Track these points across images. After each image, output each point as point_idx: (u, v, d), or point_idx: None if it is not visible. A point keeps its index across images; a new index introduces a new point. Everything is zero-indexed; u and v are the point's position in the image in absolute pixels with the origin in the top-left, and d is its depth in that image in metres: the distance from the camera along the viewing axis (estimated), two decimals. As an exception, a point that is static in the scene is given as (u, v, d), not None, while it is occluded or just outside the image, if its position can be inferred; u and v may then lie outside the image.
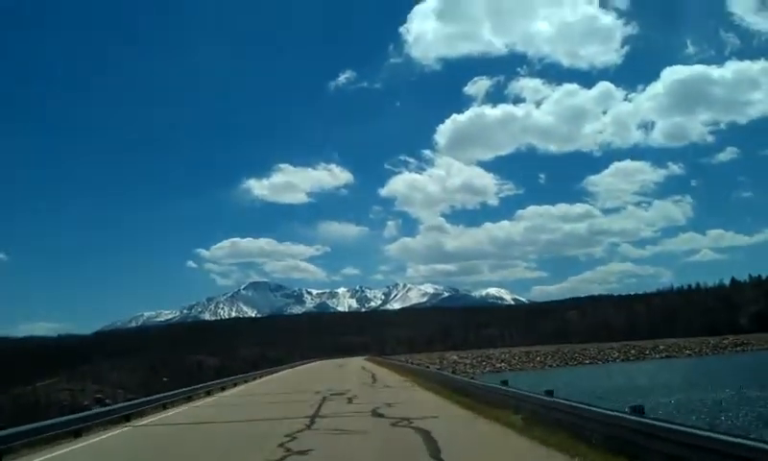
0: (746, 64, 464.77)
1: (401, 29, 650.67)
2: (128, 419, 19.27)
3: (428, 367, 50.90)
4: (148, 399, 23.55)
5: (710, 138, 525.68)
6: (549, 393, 13.17)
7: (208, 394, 30.06)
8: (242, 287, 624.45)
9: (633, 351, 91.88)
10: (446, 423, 14.47)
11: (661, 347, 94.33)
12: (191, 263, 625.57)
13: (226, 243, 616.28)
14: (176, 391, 26.75)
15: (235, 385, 37.32)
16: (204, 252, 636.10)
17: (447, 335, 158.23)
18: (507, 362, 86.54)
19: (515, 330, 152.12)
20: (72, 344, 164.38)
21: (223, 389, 33.59)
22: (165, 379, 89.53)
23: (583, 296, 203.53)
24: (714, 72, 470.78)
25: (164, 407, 23.35)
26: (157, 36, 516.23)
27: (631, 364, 79.50)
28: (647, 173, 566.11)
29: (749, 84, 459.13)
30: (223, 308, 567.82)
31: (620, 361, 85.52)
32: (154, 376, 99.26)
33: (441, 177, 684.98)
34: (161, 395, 24.87)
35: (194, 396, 27.96)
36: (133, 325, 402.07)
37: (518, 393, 15.43)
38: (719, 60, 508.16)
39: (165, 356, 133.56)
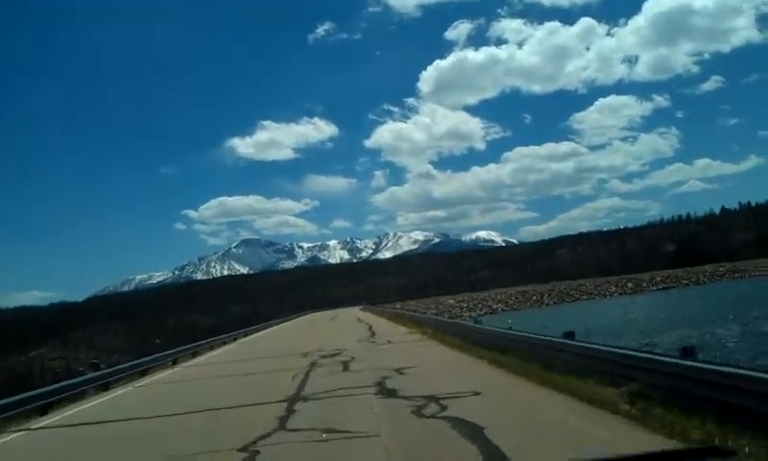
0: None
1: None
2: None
3: (425, 313, 50.52)
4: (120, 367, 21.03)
5: (695, 69, 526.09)
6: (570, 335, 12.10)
7: (194, 355, 28.23)
8: (233, 245, 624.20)
9: (630, 285, 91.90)
10: (499, 404, 9.35)
11: (658, 278, 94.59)
12: (180, 225, 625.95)
13: (213, 203, 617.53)
14: (150, 357, 24.00)
15: (211, 349, 31.67)
16: (192, 212, 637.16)
17: (440, 281, 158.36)
18: (504, 303, 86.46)
19: (506, 272, 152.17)
20: (65, 311, 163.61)
21: (211, 348, 32.36)
22: (157, 341, 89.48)
23: (573, 233, 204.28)
24: (696, 2, 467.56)
25: (143, 374, 20.96)
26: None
27: (628, 297, 79.23)
28: (632, 107, 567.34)
29: (731, 12, 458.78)
30: (215, 267, 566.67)
31: (617, 295, 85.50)
32: (148, 338, 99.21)
33: (426, 124, 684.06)
34: (131, 364, 21.96)
35: (179, 358, 25.94)
36: (126, 288, 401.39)
37: (587, 346, 10.89)
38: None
39: (158, 318, 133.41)
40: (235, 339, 39.41)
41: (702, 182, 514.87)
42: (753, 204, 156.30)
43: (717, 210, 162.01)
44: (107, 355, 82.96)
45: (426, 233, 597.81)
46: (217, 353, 29.06)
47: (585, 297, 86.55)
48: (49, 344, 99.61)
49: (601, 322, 44.32)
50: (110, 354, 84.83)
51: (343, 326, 42.94)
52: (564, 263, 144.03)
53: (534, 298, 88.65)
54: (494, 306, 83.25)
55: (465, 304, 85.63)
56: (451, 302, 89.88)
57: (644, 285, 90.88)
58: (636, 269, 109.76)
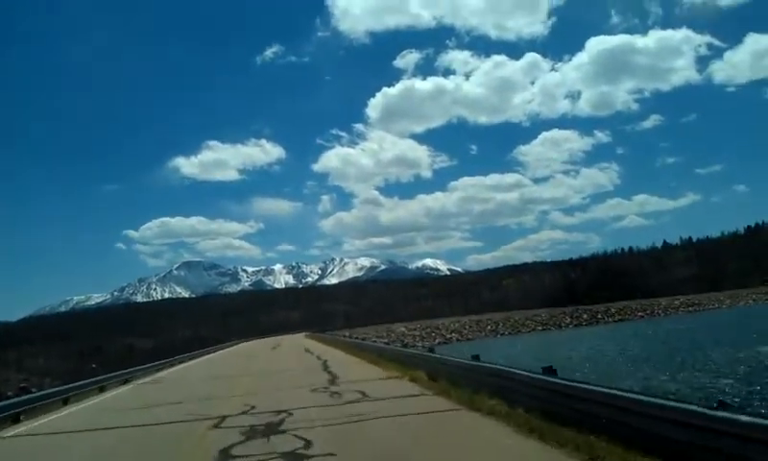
0: (669, 33, 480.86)
1: (328, 2, 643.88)
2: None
3: (375, 341, 48.62)
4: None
5: (635, 106, 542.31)
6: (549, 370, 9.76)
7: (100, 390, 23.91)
8: (174, 267, 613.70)
9: (585, 316, 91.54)
10: None
11: (613, 310, 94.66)
12: (120, 245, 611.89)
13: (155, 223, 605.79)
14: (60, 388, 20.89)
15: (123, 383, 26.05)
16: (132, 233, 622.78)
17: (387, 308, 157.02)
18: (458, 332, 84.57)
19: (454, 300, 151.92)
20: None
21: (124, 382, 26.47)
22: (93, 366, 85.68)
23: (517, 263, 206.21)
24: (638, 41, 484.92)
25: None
26: (81, 13, 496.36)
27: (585, 329, 78.78)
28: (575, 141, 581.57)
29: (671, 52, 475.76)
30: (155, 289, 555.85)
31: (572, 327, 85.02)
32: (83, 361, 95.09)
33: (374, 150, 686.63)
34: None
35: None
36: (63, 309, 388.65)
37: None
38: (643, 30, 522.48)
39: (96, 341, 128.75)
40: (132, 380, 28.34)
41: (640, 218, 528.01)
42: (694, 239, 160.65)
43: (655, 245, 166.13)
44: (37, 379, 79.15)
45: (372, 260, 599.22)
46: (110, 396, 22.06)
47: (540, 327, 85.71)
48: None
49: (573, 355, 40.41)
50: (42, 377, 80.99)
51: (287, 358, 35.20)
52: (511, 293, 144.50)
53: (489, 327, 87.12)
54: (448, 336, 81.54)
55: (417, 333, 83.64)
56: (403, 329, 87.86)
57: (599, 317, 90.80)
58: (580, 301, 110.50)
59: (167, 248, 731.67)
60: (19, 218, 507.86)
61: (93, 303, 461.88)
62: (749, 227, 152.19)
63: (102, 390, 23.74)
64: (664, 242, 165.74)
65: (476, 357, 14.22)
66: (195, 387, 21.94)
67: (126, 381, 27.20)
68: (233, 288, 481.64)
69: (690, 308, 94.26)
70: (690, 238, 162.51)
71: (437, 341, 74.21)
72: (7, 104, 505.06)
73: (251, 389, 18.07)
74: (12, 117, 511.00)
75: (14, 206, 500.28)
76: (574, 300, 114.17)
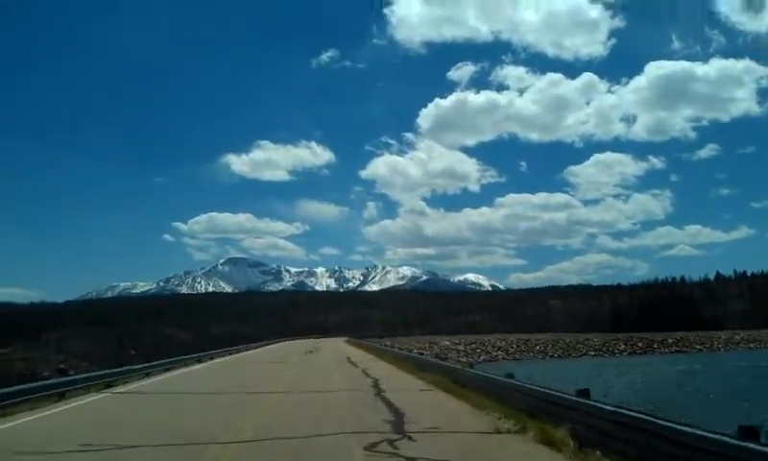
0: (730, 63, 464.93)
1: (386, 10, 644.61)
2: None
3: (423, 354, 46.30)
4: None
5: (692, 134, 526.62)
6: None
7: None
8: (220, 262, 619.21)
9: (640, 344, 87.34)
10: None
11: (670, 340, 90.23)
12: (168, 236, 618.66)
13: (203, 217, 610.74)
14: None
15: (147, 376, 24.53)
16: (181, 225, 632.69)
17: (427, 319, 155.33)
18: (504, 350, 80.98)
19: (496, 316, 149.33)
20: (42, 312, 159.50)
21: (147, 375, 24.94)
22: (132, 352, 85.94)
23: (562, 285, 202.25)
24: (698, 69, 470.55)
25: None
26: (140, 5, 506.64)
27: (639, 358, 74.85)
28: (627, 166, 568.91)
29: (732, 82, 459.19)
30: (200, 282, 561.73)
31: (627, 354, 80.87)
32: (122, 347, 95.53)
33: (422, 160, 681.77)
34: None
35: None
36: (109, 295, 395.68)
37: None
38: (704, 57, 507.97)
39: (136, 328, 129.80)
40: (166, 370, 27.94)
41: (690, 248, 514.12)
42: (748, 273, 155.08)
43: (708, 277, 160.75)
44: (76, 361, 79.56)
45: (415, 270, 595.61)
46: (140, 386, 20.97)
47: (592, 352, 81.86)
48: (14, 344, 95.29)
49: (655, 392, 34.41)
50: (80, 360, 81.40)
51: (325, 369, 28.72)
52: (556, 314, 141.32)
53: (537, 348, 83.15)
54: (494, 353, 78.13)
55: (462, 348, 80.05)
56: (447, 343, 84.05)
57: (655, 346, 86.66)
58: (627, 328, 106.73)
59: (214, 243, 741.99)
60: (74, 204, 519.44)
61: (138, 291, 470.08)
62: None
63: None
64: (717, 274, 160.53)
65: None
66: (206, 407, 15.65)
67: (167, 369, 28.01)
68: (275, 287, 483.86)
69: (752, 345, 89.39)
70: (745, 272, 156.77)
71: (481, 358, 71.33)
72: (65, 95, 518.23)
73: (256, 429, 11.53)
74: (71, 106, 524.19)
75: (70, 192, 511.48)
76: (621, 326, 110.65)
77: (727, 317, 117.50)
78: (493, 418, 11.92)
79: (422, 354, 43.28)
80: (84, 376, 20.15)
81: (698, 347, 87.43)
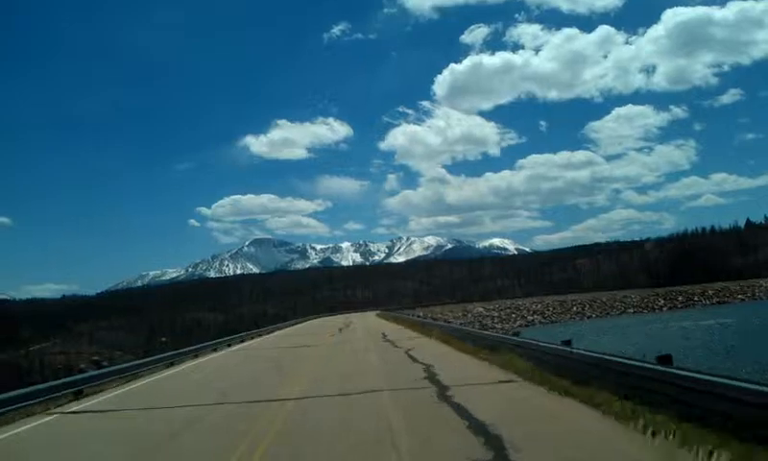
0: (749, 4, 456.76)
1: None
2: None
3: (463, 325, 44.74)
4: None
5: (713, 81, 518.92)
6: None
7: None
8: (246, 244, 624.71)
9: (680, 299, 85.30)
10: None
11: (710, 292, 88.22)
12: (193, 222, 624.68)
13: (227, 201, 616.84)
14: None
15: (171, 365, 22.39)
16: (205, 210, 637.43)
17: (456, 287, 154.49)
18: (540, 313, 79.21)
19: (524, 280, 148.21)
20: (76, 304, 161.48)
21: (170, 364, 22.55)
22: (164, 339, 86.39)
23: (589, 243, 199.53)
24: (716, 13, 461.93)
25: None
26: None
27: (682, 313, 72.62)
28: (649, 117, 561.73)
29: (752, 24, 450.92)
30: (228, 266, 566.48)
31: (667, 310, 78.92)
32: (153, 335, 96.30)
33: (440, 128, 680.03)
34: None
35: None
36: (139, 284, 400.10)
37: None
38: (721, 1, 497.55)
39: (165, 315, 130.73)
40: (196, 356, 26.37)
41: (717, 197, 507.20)
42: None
43: (735, 224, 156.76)
44: (108, 352, 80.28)
45: (439, 239, 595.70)
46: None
47: (631, 310, 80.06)
48: (52, 338, 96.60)
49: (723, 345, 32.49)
50: (113, 351, 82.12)
51: (358, 353, 22.49)
52: (585, 273, 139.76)
53: (573, 309, 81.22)
54: (530, 318, 76.46)
55: (496, 314, 78.58)
56: (481, 310, 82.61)
57: (696, 299, 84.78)
58: (661, 283, 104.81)
59: (238, 225, 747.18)
60: (100, 197, 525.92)
61: (168, 278, 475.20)
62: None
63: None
64: (748, 221, 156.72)
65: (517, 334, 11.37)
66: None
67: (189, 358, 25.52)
68: (302, 265, 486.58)
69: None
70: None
71: (518, 323, 70.04)
72: (87, 86, 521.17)
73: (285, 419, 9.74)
74: (93, 99, 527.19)
75: (96, 186, 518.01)
76: (655, 282, 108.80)
77: (761, 264, 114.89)
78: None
79: (462, 324, 41.30)
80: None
81: (740, 297, 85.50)
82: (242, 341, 36.97)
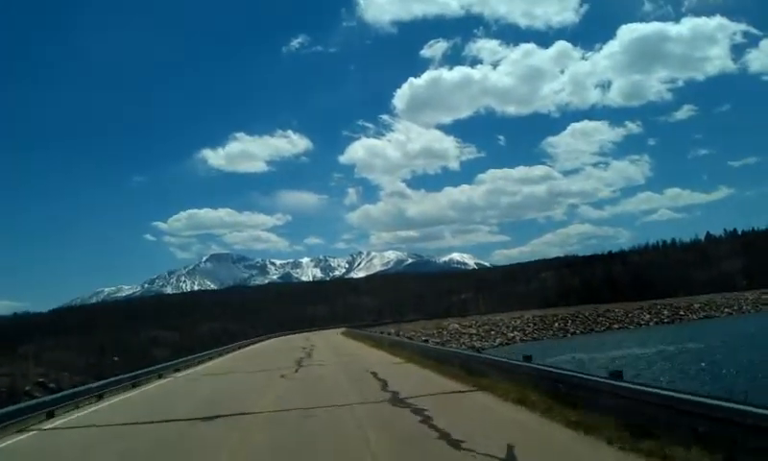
0: (702, 21, 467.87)
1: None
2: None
3: (443, 344, 41.27)
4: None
5: (668, 96, 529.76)
6: None
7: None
8: (203, 259, 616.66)
9: (665, 312, 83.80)
10: None
11: (696, 306, 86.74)
12: (149, 236, 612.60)
13: (183, 215, 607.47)
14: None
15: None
16: (162, 224, 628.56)
17: (419, 302, 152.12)
18: (521, 330, 75.22)
19: (488, 295, 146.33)
20: (26, 323, 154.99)
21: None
22: (115, 359, 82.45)
23: (548, 258, 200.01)
24: (671, 29, 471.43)
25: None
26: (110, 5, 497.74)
27: (669, 327, 71.43)
28: (605, 133, 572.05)
29: (706, 40, 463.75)
30: (185, 282, 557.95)
31: (653, 324, 77.63)
32: (104, 355, 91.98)
33: (400, 142, 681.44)
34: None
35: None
36: (93, 301, 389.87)
37: None
38: (676, 17, 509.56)
39: (120, 333, 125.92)
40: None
41: (671, 212, 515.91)
42: (739, 231, 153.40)
43: (695, 238, 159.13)
44: (55, 373, 76.03)
45: (399, 253, 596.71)
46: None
47: (616, 325, 78.02)
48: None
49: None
50: (60, 371, 77.90)
51: (333, 401, 14.34)
52: (549, 287, 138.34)
53: (556, 325, 77.94)
54: (510, 335, 72.60)
55: (474, 331, 74.35)
56: (456, 326, 77.75)
57: (682, 314, 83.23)
58: (626, 297, 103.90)
59: (196, 240, 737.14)
60: (53, 211, 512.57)
61: (124, 294, 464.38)
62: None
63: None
64: (708, 234, 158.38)
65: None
66: None
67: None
68: (261, 281, 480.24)
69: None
70: (735, 230, 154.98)
71: (497, 341, 67.11)
72: (38, 99, 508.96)
73: None
74: (44, 112, 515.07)
75: (48, 200, 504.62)
76: (617, 296, 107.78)
77: (725, 277, 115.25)
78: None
79: (438, 343, 37.98)
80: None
81: (727, 310, 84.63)
82: (188, 367, 32.15)
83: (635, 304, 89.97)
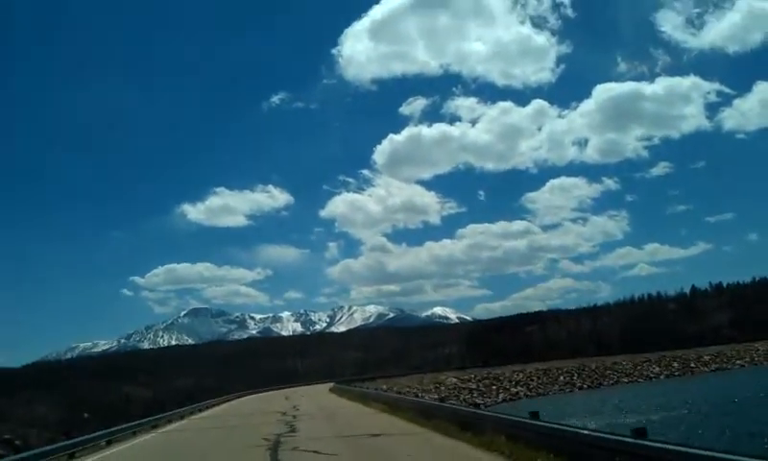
0: (677, 80, 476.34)
1: (333, 51, 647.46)
2: None
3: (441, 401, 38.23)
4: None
5: (644, 153, 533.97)
6: None
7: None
8: (181, 314, 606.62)
9: (675, 364, 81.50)
10: None
11: (706, 357, 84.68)
12: (126, 291, 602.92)
13: (161, 269, 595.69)
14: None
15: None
16: (139, 279, 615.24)
17: (402, 356, 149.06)
18: (525, 385, 71.53)
19: (473, 349, 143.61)
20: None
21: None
22: (86, 415, 78.98)
23: (530, 312, 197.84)
24: (646, 88, 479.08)
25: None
26: (87, 56, 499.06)
27: (680, 381, 68.85)
28: (583, 189, 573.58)
29: (680, 99, 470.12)
30: (162, 337, 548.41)
31: (664, 377, 75.00)
32: (75, 411, 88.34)
33: (381, 196, 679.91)
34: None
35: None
36: (69, 356, 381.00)
37: None
38: (650, 77, 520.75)
39: (92, 389, 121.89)
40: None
41: (650, 266, 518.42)
42: (724, 284, 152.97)
43: (680, 291, 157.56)
44: (23, 429, 72.72)
45: (381, 308, 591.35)
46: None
47: (625, 379, 74.97)
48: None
49: None
50: (28, 428, 74.57)
51: None
52: (535, 341, 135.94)
53: (561, 379, 74.24)
54: (514, 390, 68.86)
55: (474, 386, 70.07)
56: (454, 380, 73.61)
57: (692, 366, 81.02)
58: (613, 351, 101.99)
59: (174, 294, 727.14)
60: (28, 265, 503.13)
61: (99, 350, 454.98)
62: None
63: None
64: (693, 287, 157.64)
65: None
66: None
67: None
68: (241, 336, 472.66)
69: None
70: (720, 283, 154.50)
71: (500, 397, 63.92)
72: (9, 151, 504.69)
73: None
74: (19, 165, 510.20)
75: (23, 254, 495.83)
76: (603, 350, 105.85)
77: (716, 330, 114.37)
78: None
79: (451, 403, 34.48)
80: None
81: (739, 362, 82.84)
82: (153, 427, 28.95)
83: (640, 357, 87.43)
